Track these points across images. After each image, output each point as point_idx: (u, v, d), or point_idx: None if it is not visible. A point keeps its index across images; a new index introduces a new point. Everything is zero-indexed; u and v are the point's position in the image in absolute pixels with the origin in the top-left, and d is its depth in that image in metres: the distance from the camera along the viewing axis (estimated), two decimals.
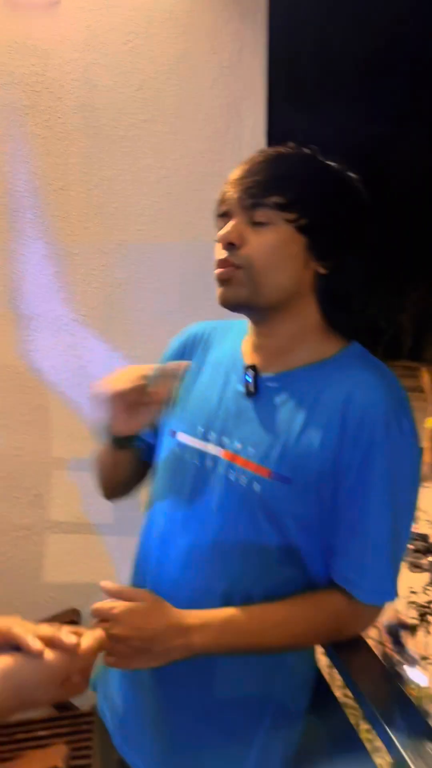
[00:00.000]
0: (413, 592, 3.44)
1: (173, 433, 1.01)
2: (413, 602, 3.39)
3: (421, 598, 3.41)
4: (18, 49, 1.74)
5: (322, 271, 0.92)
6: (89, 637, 0.75)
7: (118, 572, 1.84)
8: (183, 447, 0.99)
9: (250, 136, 1.88)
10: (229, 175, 0.94)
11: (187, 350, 1.10)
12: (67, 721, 1.72)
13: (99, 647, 0.76)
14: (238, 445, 0.92)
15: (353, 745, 0.98)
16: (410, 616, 3.38)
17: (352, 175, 0.95)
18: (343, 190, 0.93)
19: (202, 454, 0.96)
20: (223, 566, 0.92)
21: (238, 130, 1.88)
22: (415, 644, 3.32)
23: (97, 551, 1.85)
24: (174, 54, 1.83)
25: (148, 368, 0.92)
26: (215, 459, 0.94)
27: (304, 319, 0.94)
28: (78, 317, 1.83)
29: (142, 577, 1.02)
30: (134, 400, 0.91)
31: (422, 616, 3.34)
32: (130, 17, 1.79)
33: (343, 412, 0.86)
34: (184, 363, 0.94)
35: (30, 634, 0.71)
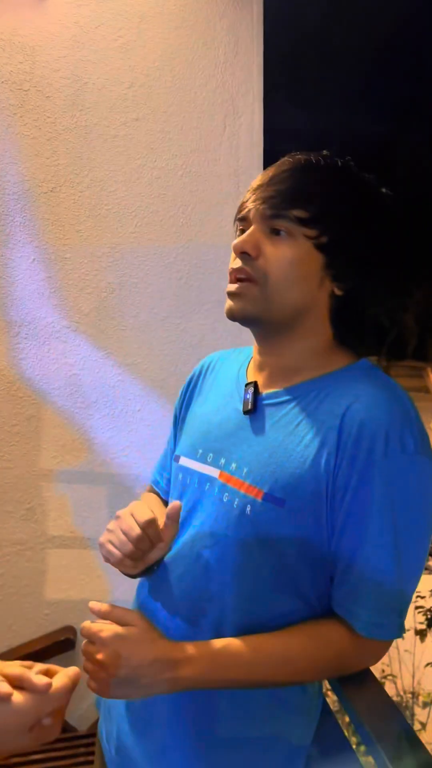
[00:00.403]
0: (421, 597, 3.35)
1: (177, 458, 0.99)
2: (420, 607, 3.30)
3: (429, 603, 3.31)
4: (4, 46, 1.69)
5: (338, 292, 0.87)
6: (62, 677, 0.69)
7: (115, 588, 1.79)
8: (185, 471, 0.96)
9: (246, 134, 1.83)
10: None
11: (194, 381, 1.08)
12: (64, 744, 1.66)
13: (73, 687, 0.70)
14: (233, 466, 0.88)
15: None
16: (418, 621, 3.29)
17: (388, 193, 0.88)
18: (373, 211, 0.87)
19: (201, 477, 0.92)
20: (217, 594, 0.86)
21: (234, 128, 1.82)
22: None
23: (93, 566, 1.79)
24: (167, 50, 1.77)
25: (147, 508, 0.86)
26: (211, 480, 0.90)
27: (313, 339, 0.89)
28: (70, 324, 1.78)
29: (142, 600, 0.98)
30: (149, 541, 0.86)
31: (430, 622, 3.25)
32: (121, 12, 1.74)
33: (340, 428, 0.80)
34: (177, 505, 0.87)
35: None
